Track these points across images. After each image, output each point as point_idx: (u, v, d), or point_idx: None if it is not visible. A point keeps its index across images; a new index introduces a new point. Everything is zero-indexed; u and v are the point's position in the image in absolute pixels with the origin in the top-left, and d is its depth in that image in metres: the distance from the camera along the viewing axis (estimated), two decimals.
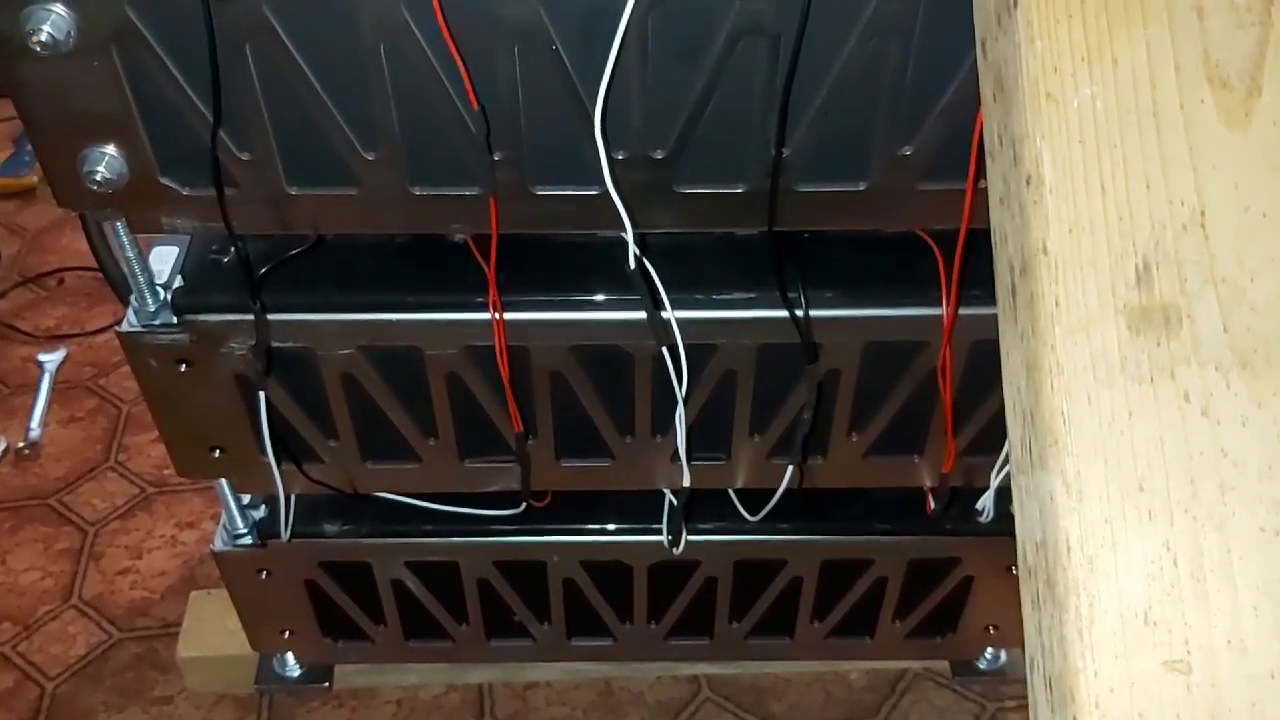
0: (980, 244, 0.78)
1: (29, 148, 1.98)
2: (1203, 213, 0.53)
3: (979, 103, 0.69)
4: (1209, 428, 0.52)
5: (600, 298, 0.84)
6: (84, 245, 0.85)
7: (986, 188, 0.73)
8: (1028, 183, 0.55)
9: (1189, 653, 0.50)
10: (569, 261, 0.86)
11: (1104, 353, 0.52)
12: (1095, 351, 0.52)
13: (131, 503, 1.49)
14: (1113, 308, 0.53)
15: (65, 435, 1.60)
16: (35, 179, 2.18)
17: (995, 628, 1.13)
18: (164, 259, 0.88)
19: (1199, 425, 0.52)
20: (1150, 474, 0.52)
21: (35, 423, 1.60)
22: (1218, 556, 0.50)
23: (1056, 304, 0.53)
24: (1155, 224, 0.53)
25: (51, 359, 1.70)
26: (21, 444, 1.56)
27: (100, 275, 0.88)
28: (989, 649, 1.19)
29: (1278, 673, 0.49)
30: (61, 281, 1.87)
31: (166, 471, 1.51)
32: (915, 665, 1.23)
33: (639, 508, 1.02)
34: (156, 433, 0.95)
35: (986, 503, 0.97)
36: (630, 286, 0.80)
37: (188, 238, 0.88)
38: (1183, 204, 0.53)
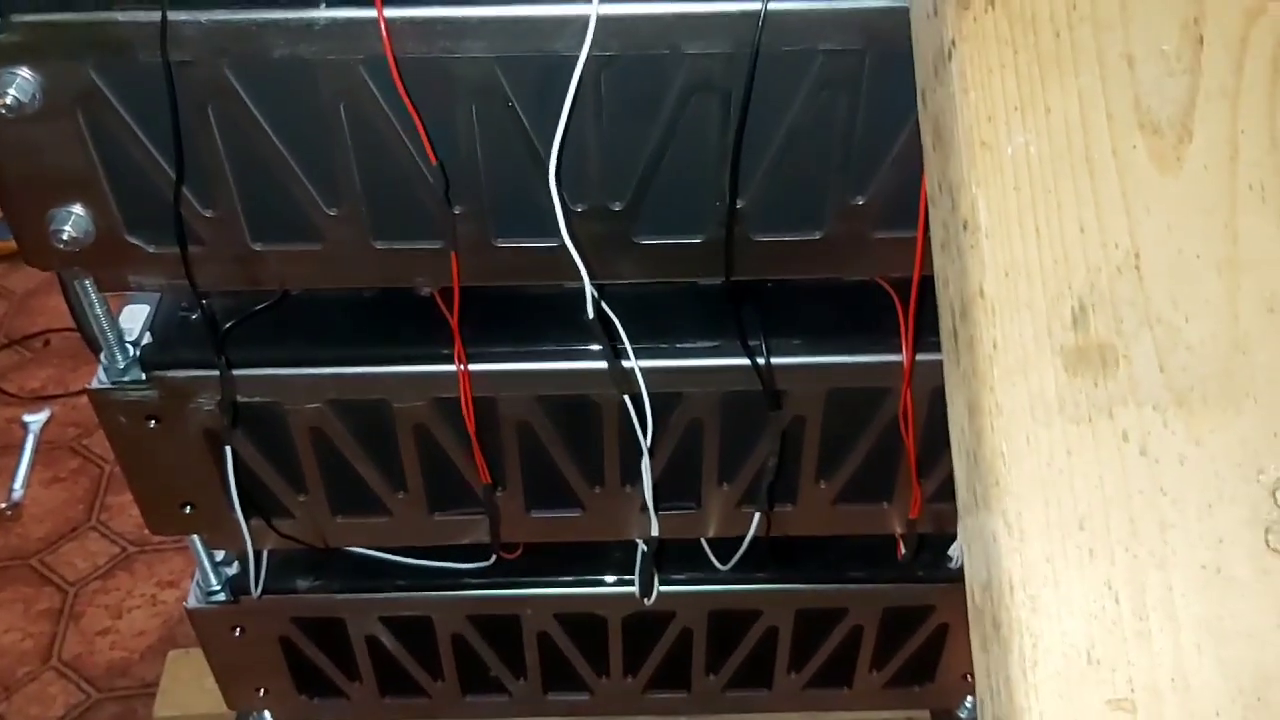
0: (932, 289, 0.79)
1: None
2: (1137, 255, 0.54)
3: None
4: (1148, 466, 0.52)
5: (564, 348, 0.85)
6: None
7: None
8: (965, 228, 0.56)
9: (1133, 691, 0.50)
10: (534, 312, 0.87)
11: (1041, 393, 0.53)
12: (1033, 392, 0.53)
13: (112, 562, 1.49)
14: (1049, 349, 0.54)
15: (48, 495, 1.60)
16: None
17: (973, 676, 1.13)
18: (135, 317, 0.89)
19: (1138, 464, 0.52)
20: (1090, 513, 0.52)
21: (18, 483, 1.60)
22: (1159, 594, 0.51)
23: (995, 346, 0.54)
24: (1090, 267, 0.54)
25: (36, 419, 1.71)
26: (4, 505, 1.57)
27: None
28: (968, 697, 1.18)
29: (1222, 710, 0.49)
30: (47, 343, 1.88)
31: (147, 531, 1.51)
32: (896, 715, 1.22)
33: (612, 559, 1.02)
34: None
35: (956, 549, 0.97)
36: (592, 333, 0.81)
37: (158, 295, 0.89)
38: (1117, 247, 0.54)
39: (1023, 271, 0.54)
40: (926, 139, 0.61)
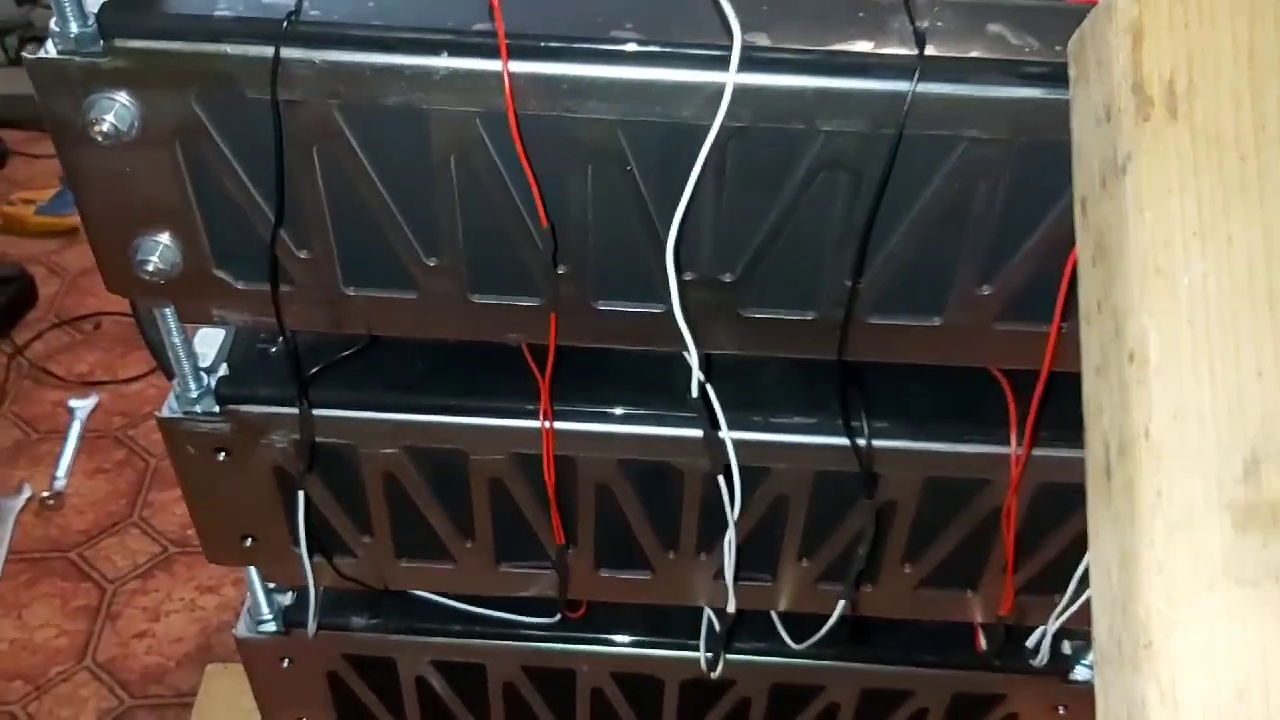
0: (1049, 385, 0.75)
1: None
2: None
3: (1066, 250, 0.66)
4: None
5: (654, 413, 0.81)
6: None
7: (1067, 333, 0.71)
8: (1130, 359, 0.52)
9: None
10: (623, 372, 0.83)
11: (1207, 552, 0.49)
12: (1198, 550, 0.49)
13: (153, 561, 1.47)
14: (1218, 503, 0.49)
15: (91, 486, 1.58)
16: (78, 219, 2.19)
17: None
18: (210, 342, 0.86)
19: None
20: (1250, 685, 0.48)
21: (62, 472, 1.58)
22: None
23: (1158, 495, 0.50)
24: (1266, 415, 0.50)
25: (83, 406, 1.69)
26: (46, 493, 1.55)
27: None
28: None
29: None
30: (98, 326, 1.86)
31: (190, 531, 1.49)
32: None
33: (674, 621, 0.98)
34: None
35: (1041, 645, 0.93)
36: (686, 402, 0.77)
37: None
38: None
39: (1193, 415, 0.50)
40: (1085, 252, 0.57)
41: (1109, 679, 0.52)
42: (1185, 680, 0.48)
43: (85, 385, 1.73)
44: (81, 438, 1.64)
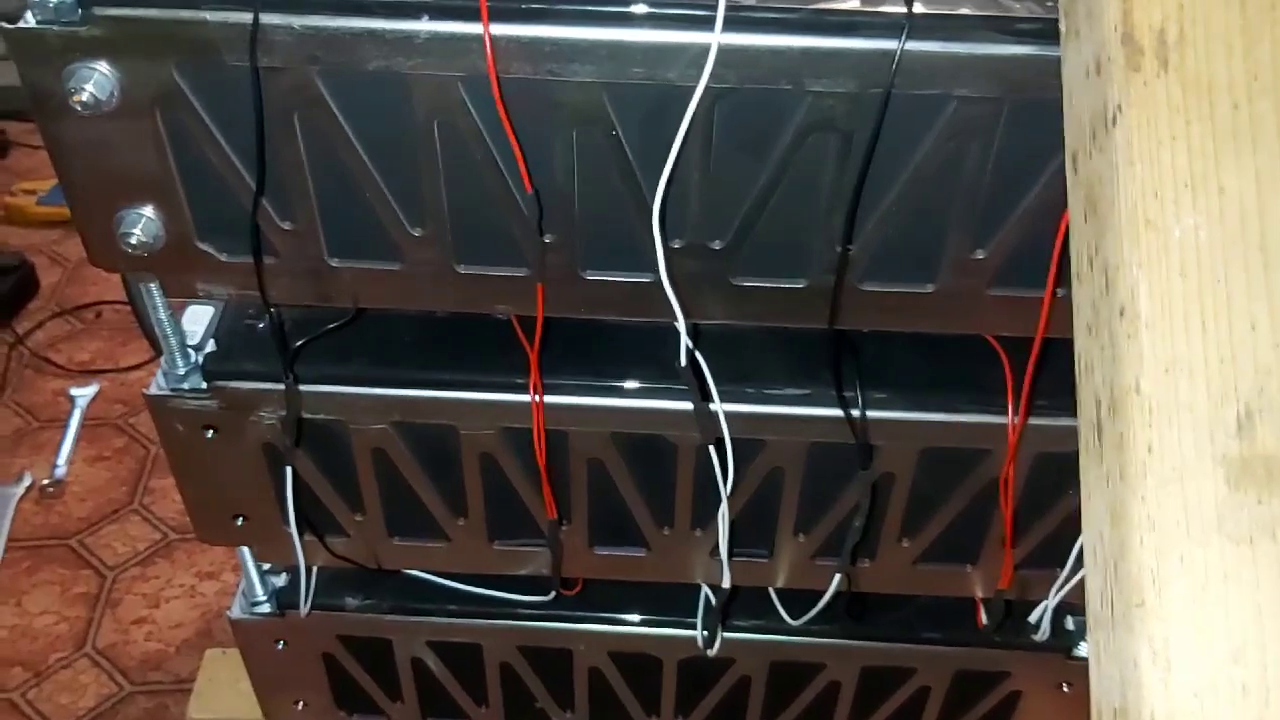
0: (1047, 352, 0.74)
1: None
2: None
3: (1060, 211, 0.65)
4: None
5: (645, 386, 0.80)
6: None
7: (1064, 299, 0.70)
8: (1121, 314, 0.51)
9: None
10: (614, 345, 0.82)
11: (1199, 507, 0.48)
12: (1190, 505, 0.48)
13: (153, 548, 1.47)
14: (1210, 458, 0.48)
15: (91, 474, 1.58)
16: None
17: None
18: (198, 319, 0.85)
19: None
20: (1245, 645, 0.47)
21: (62, 459, 1.58)
22: None
23: (1149, 450, 0.49)
24: (1259, 368, 0.49)
25: (83, 394, 1.69)
26: (46, 481, 1.55)
27: None
28: None
29: None
30: (99, 315, 1.86)
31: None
32: None
33: (671, 599, 0.98)
34: None
35: (1042, 620, 0.91)
36: (677, 374, 0.76)
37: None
38: None
39: (1185, 369, 0.49)
40: (1076, 207, 0.56)
41: (1101, 642, 0.51)
42: (1178, 640, 0.47)
43: (86, 374, 1.72)
44: (82, 426, 1.63)
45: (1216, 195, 0.51)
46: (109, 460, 1.59)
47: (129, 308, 1.07)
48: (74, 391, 1.69)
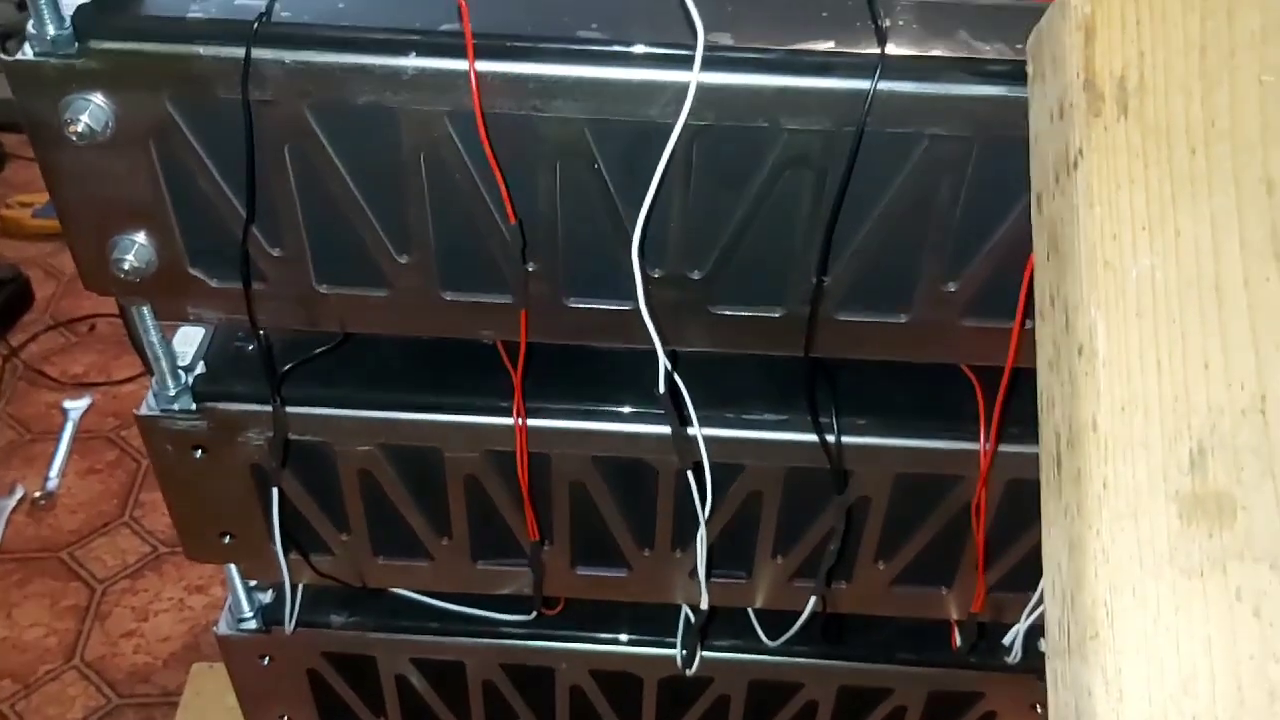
0: (1019, 380, 0.76)
1: None
2: (1263, 398, 0.51)
3: (1028, 247, 0.67)
4: (1260, 630, 0.49)
5: (627, 410, 0.82)
6: None
7: (1032, 330, 0.71)
8: (1079, 352, 0.52)
9: None
10: (596, 370, 0.84)
11: (1152, 541, 0.50)
12: (1143, 539, 0.50)
13: (142, 561, 1.48)
14: (1163, 493, 0.50)
15: (83, 487, 1.59)
16: None
17: None
18: (190, 340, 0.86)
19: (1250, 626, 0.49)
20: (1195, 676, 0.48)
21: (54, 472, 1.59)
22: None
23: (1104, 485, 0.50)
24: (1212, 407, 0.51)
25: (76, 407, 1.70)
26: (38, 493, 1.56)
27: None
28: None
29: None
30: (93, 328, 1.87)
31: None
32: None
33: (652, 619, 0.99)
34: None
35: (1015, 642, 0.93)
36: (658, 399, 0.78)
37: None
38: (1243, 388, 0.51)
39: (1140, 407, 0.51)
40: (1040, 246, 0.58)
41: (1059, 671, 0.53)
42: (1130, 670, 0.49)
43: (79, 386, 1.74)
44: (74, 438, 1.65)
45: (1173, 237, 0.52)
46: (100, 473, 1.61)
47: (122, 321, 1.09)
48: (67, 404, 1.70)
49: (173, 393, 0.83)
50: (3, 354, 1.80)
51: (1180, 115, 0.53)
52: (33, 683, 1.32)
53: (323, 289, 0.75)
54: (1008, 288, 0.71)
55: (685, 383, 0.78)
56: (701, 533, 0.83)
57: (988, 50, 0.64)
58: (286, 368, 0.81)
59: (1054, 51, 0.57)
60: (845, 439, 0.81)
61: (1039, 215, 0.58)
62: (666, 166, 0.65)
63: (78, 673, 1.33)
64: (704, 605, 0.88)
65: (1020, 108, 0.63)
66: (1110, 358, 0.51)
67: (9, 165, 2.30)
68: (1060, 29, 0.56)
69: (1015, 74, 0.63)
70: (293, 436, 0.83)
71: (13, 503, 1.54)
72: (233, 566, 0.96)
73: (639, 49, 0.64)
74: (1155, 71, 0.54)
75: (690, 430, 0.79)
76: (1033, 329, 0.71)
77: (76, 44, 0.65)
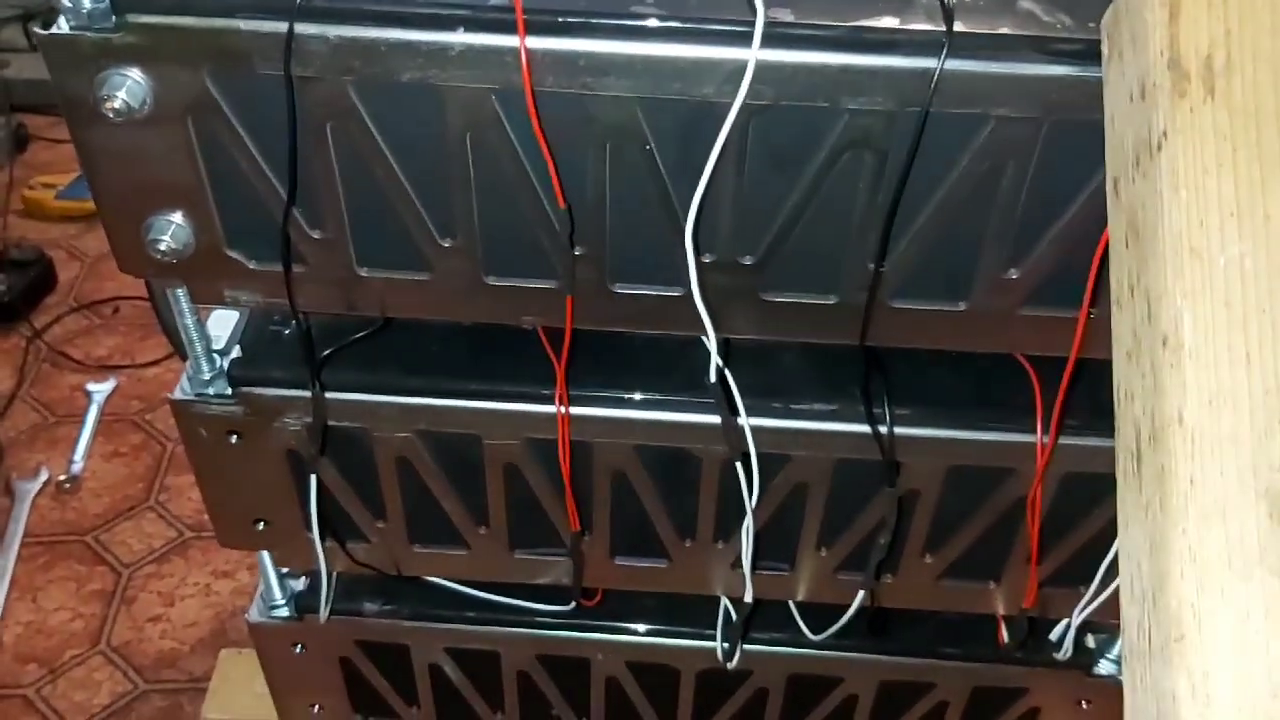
0: (1076, 371, 0.74)
1: None
2: None
3: (1096, 233, 0.65)
4: None
5: (672, 398, 0.80)
6: None
7: (1097, 319, 0.69)
8: (1164, 343, 0.50)
9: None
10: (640, 357, 0.82)
11: (1241, 541, 0.48)
12: (1232, 539, 0.48)
13: (168, 546, 1.47)
14: (1254, 491, 0.48)
15: (108, 470, 1.58)
16: None
17: None
18: (223, 324, 0.85)
19: None
20: None
21: (79, 455, 1.58)
22: None
23: (1191, 483, 0.48)
24: None
25: (100, 389, 1.69)
26: (63, 477, 1.55)
27: None
28: None
29: None
30: (117, 310, 1.86)
31: (206, 516, 1.48)
32: None
33: (690, 610, 0.97)
34: None
35: (1065, 639, 0.91)
36: (704, 387, 0.76)
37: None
38: None
39: (1229, 400, 0.49)
40: (1117, 232, 0.56)
41: (1138, 673, 0.51)
42: (1218, 675, 0.47)
43: (103, 369, 1.72)
44: (99, 421, 1.63)
45: (1263, 223, 0.50)
46: (125, 456, 1.59)
47: (146, 303, 1.07)
48: (91, 387, 1.69)
49: (207, 377, 0.81)
50: (26, 336, 1.80)
51: (1270, 96, 0.51)
52: (59, 667, 1.31)
53: (363, 272, 0.73)
54: (1071, 275, 0.69)
55: (732, 371, 0.76)
56: (748, 524, 0.81)
57: (1059, 28, 0.62)
58: (326, 353, 0.79)
59: (1134, 29, 0.54)
60: (898, 430, 0.79)
61: (1115, 200, 0.56)
62: (722, 148, 0.63)
63: (104, 658, 1.32)
64: (748, 598, 0.86)
65: (1091, 88, 0.60)
66: (1197, 349, 0.49)
67: (32, 146, 2.29)
68: (1141, 5, 0.53)
69: (1086, 53, 0.61)
70: (331, 422, 0.81)
71: (37, 486, 1.53)
72: (265, 553, 0.95)
73: (695, 25, 0.62)
74: (1243, 51, 0.51)
75: (739, 420, 0.77)
76: (1097, 318, 0.70)
77: (114, 18, 0.63)
